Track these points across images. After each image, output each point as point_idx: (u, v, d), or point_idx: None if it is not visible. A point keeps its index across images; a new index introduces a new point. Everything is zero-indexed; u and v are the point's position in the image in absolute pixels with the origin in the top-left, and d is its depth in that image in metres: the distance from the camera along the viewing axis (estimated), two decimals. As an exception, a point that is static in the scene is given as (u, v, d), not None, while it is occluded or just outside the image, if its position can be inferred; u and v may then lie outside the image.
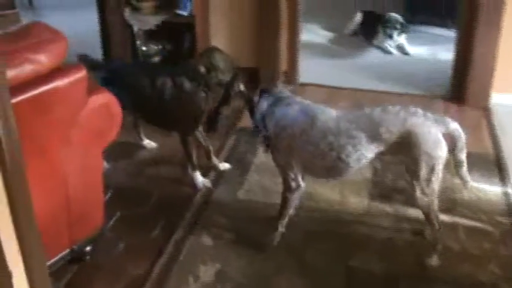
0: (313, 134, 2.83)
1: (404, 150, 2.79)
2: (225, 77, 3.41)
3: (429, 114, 2.81)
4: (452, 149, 2.86)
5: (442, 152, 2.78)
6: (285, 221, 3.10)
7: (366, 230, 3.26)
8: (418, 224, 3.19)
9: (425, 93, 4.97)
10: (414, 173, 2.82)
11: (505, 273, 2.95)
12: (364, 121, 2.80)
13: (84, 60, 3.67)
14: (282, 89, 3.19)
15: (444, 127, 2.81)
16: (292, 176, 2.97)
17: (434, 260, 2.99)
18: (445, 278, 2.93)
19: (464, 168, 2.94)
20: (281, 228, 3.10)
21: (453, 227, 3.24)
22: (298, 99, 3.04)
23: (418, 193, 2.85)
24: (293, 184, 2.98)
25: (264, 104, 3.02)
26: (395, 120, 2.77)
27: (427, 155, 2.75)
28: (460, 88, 4.70)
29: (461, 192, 3.50)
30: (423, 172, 2.79)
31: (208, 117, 3.43)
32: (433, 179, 2.81)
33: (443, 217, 3.17)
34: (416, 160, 2.77)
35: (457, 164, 2.92)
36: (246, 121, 4.26)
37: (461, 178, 2.99)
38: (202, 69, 3.41)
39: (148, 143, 4.14)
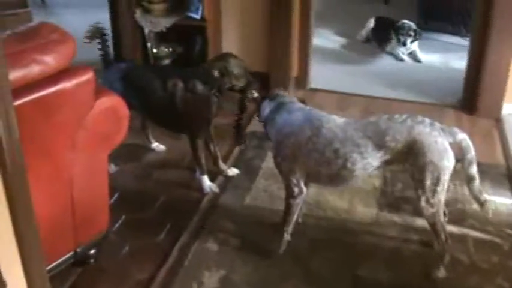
0: (319, 141, 2.81)
1: (410, 159, 2.76)
2: (239, 83, 3.43)
3: (436, 124, 2.78)
4: (461, 160, 2.82)
5: (448, 163, 2.74)
6: (290, 227, 3.06)
7: (374, 239, 3.23)
8: (427, 235, 3.16)
9: (437, 101, 4.93)
10: (419, 183, 2.78)
11: (511, 286, 2.92)
12: (370, 129, 2.77)
13: (105, 53, 3.73)
14: (284, 94, 3.14)
15: (452, 137, 2.77)
16: (295, 181, 2.94)
17: (441, 272, 2.95)
18: (453, 290, 2.90)
19: (477, 184, 2.85)
20: (287, 235, 3.07)
21: (462, 238, 3.21)
22: (301, 105, 3.03)
23: (423, 203, 2.80)
24: (296, 190, 2.95)
25: (265, 111, 3.03)
26: (401, 128, 2.74)
27: (432, 164, 2.72)
28: (472, 97, 4.66)
29: (470, 204, 3.45)
30: (429, 182, 2.75)
31: (234, 129, 3.43)
32: (439, 189, 2.76)
33: (452, 228, 3.14)
34: (422, 169, 2.74)
35: (467, 179, 2.85)
36: (254, 126, 4.25)
37: (474, 196, 2.90)
38: (216, 73, 3.39)
39: (156, 145, 4.12)
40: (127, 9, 5.02)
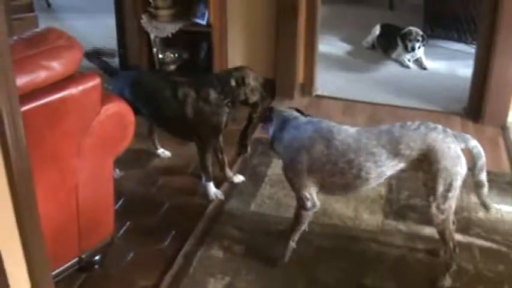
0: (332, 153, 2.79)
1: (424, 166, 2.75)
2: (253, 97, 3.46)
3: (449, 130, 2.78)
4: (472, 167, 2.81)
5: (461, 169, 2.74)
6: (297, 236, 3.05)
7: (379, 247, 3.22)
8: (432, 243, 3.15)
9: (442, 109, 4.93)
10: (431, 189, 2.76)
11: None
12: (384, 137, 2.76)
13: (104, 67, 3.71)
14: (284, 110, 3.11)
15: (464, 143, 2.77)
16: (308, 196, 2.91)
17: (447, 281, 2.93)
18: (458, 299, 2.89)
19: (485, 190, 2.85)
20: (292, 243, 3.06)
21: (468, 247, 3.19)
22: (306, 118, 3.01)
23: (433, 209, 2.78)
24: (308, 203, 2.93)
25: (270, 130, 3.03)
26: (415, 135, 2.73)
27: (445, 171, 2.70)
28: (478, 105, 4.65)
29: (477, 212, 3.45)
30: (441, 188, 2.73)
31: (239, 140, 3.41)
32: (450, 195, 2.75)
33: (458, 237, 3.12)
34: (435, 176, 2.72)
35: (476, 185, 2.85)
36: (259, 133, 4.24)
37: (482, 202, 2.90)
38: (233, 82, 3.41)
39: (162, 151, 4.11)
40: (133, 14, 5.03)
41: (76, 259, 2.86)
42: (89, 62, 3.61)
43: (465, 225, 3.34)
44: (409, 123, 2.79)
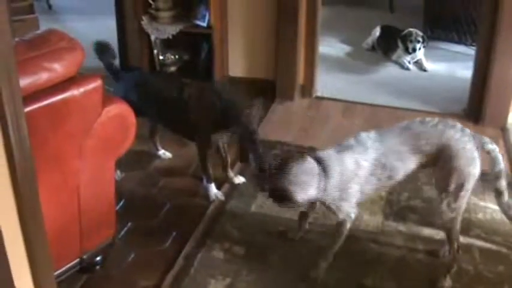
0: (371, 165, 2.78)
1: (439, 162, 2.78)
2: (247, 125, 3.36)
3: (467, 130, 2.81)
4: (489, 173, 2.83)
5: (474, 170, 2.76)
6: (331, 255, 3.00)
7: (379, 248, 3.23)
8: (432, 244, 3.17)
9: (442, 110, 4.92)
10: (444, 187, 2.79)
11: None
12: (405, 134, 2.80)
13: (110, 68, 3.77)
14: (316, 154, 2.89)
15: (481, 146, 2.79)
16: (354, 207, 2.90)
17: (447, 282, 2.94)
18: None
19: (504, 198, 2.85)
20: (325, 262, 3.00)
21: (468, 248, 3.19)
22: (316, 159, 2.82)
23: (444, 206, 2.80)
24: (352, 214, 2.90)
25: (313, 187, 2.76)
26: (434, 132, 2.78)
27: (459, 170, 2.73)
28: (478, 107, 4.66)
29: (476, 213, 3.46)
30: (452, 187, 2.75)
31: (240, 149, 3.48)
32: (461, 195, 2.77)
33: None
34: (448, 174, 2.75)
35: (496, 193, 2.87)
36: (261, 133, 4.25)
37: (502, 210, 2.91)
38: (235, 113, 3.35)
39: (163, 153, 4.12)
40: (134, 16, 5.04)
41: (77, 260, 2.88)
42: (97, 55, 3.65)
43: (465, 226, 3.33)
44: (428, 119, 2.84)
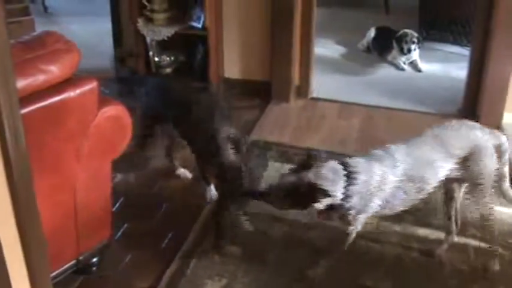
0: (398, 179, 2.75)
1: (468, 164, 2.82)
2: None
3: (486, 128, 2.88)
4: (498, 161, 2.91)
5: (494, 165, 2.85)
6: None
7: (375, 248, 3.23)
8: (427, 244, 3.18)
9: (437, 111, 4.94)
10: (476, 186, 2.87)
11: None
12: (434, 142, 2.81)
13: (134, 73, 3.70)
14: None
15: (497, 140, 2.87)
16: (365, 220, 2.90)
17: (496, 265, 3.03)
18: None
19: (506, 183, 2.98)
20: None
21: (463, 248, 3.21)
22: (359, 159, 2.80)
23: (478, 206, 2.94)
24: (360, 226, 2.90)
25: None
26: (460, 135, 2.84)
27: (487, 167, 2.82)
28: (473, 107, 4.67)
29: (472, 213, 3.46)
30: (484, 184, 2.85)
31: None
32: (489, 190, 2.87)
33: (454, 238, 3.15)
34: (479, 173, 2.83)
35: (500, 178, 2.95)
36: (257, 134, 4.27)
37: (503, 193, 3.01)
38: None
39: (183, 172, 3.93)
40: (129, 18, 5.05)
41: (74, 261, 2.87)
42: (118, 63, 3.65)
43: (461, 226, 3.34)
44: (446, 123, 2.90)
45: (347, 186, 2.66)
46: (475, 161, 2.80)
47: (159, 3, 4.91)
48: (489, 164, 2.82)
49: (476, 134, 2.83)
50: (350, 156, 2.85)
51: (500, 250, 3.20)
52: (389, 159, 2.75)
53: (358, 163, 2.73)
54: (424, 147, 2.80)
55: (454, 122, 2.89)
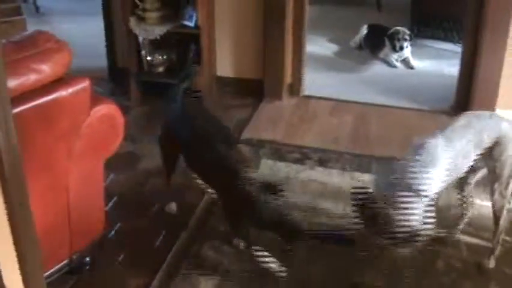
0: (439, 178, 2.74)
1: (494, 153, 2.87)
2: None
3: (509, 119, 2.95)
4: None
5: None
6: None
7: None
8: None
9: (429, 108, 4.95)
10: (499, 176, 2.91)
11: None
12: (469, 132, 2.84)
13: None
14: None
15: None
16: None
17: (491, 263, 3.05)
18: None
19: None
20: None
21: (456, 244, 3.22)
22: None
23: (497, 195, 2.95)
24: None
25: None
26: (491, 125, 2.89)
27: (511, 157, 2.87)
28: (464, 103, 4.68)
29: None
30: (507, 174, 2.89)
31: None
32: (510, 181, 2.91)
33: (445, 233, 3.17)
34: (504, 163, 2.88)
35: None
36: (250, 132, 4.27)
37: None
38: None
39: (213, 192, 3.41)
40: (121, 17, 5.04)
41: (67, 260, 2.87)
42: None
43: (454, 222, 3.36)
44: (479, 112, 3.00)
45: (424, 211, 2.62)
46: (501, 151, 2.85)
47: (151, 2, 4.90)
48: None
49: (506, 125, 2.88)
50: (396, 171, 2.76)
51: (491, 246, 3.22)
52: (434, 160, 2.74)
53: (424, 183, 2.66)
54: (461, 139, 2.81)
55: (487, 113, 2.98)
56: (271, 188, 2.84)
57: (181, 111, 3.31)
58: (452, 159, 2.76)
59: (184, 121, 3.24)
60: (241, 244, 3.15)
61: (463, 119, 2.90)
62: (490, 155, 2.88)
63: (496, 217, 3.02)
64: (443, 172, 2.73)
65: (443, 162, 2.73)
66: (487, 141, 2.84)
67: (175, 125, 3.29)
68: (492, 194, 2.94)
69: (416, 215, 2.58)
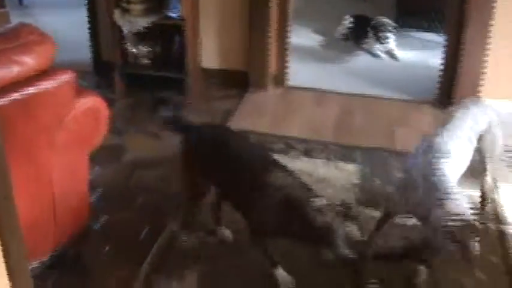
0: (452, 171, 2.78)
1: (485, 136, 3.05)
2: None
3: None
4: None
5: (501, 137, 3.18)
6: None
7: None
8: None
9: (414, 98, 4.98)
10: (488, 154, 3.15)
11: (489, 278, 2.98)
12: (470, 119, 2.99)
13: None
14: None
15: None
16: None
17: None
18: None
19: None
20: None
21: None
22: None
23: (488, 177, 3.27)
24: None
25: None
26: (482, 111, 3.08)
27: (499, 138, 3.13)
28: (448, 94, 4.71)
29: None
30: (494, 153, 3.17)
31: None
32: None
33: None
34: (492, 143, 3.11)
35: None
36: (235, 123, 4.27)
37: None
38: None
39: (223, 231, 3.26)
40: (105, 9, 5.02)
41: (52, 253, 2.88)
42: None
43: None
44: (470, 100, 3.25)
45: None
46: (491, 133, 3.06)
47: (135, -6, 4.89)
48: (499, 135, 3.12)
49: (489, 110, 3.11)
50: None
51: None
52: (443, 154, 2.76)
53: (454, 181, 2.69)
54: (463, 127, 2.94)
55: (474, 99, 3.29)
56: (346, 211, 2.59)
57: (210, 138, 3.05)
58: (460, 149, 2.86)
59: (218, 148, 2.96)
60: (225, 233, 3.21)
61: (461, 108, 3.07)
62: (482, 137, 3.03)
63: (484, 197, 3.29)
64: (459, 163, 2.83)
65: (456, 154, 2.81)
66: (483, 126, 3.01)
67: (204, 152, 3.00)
68: (484, 173, 3.19)
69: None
